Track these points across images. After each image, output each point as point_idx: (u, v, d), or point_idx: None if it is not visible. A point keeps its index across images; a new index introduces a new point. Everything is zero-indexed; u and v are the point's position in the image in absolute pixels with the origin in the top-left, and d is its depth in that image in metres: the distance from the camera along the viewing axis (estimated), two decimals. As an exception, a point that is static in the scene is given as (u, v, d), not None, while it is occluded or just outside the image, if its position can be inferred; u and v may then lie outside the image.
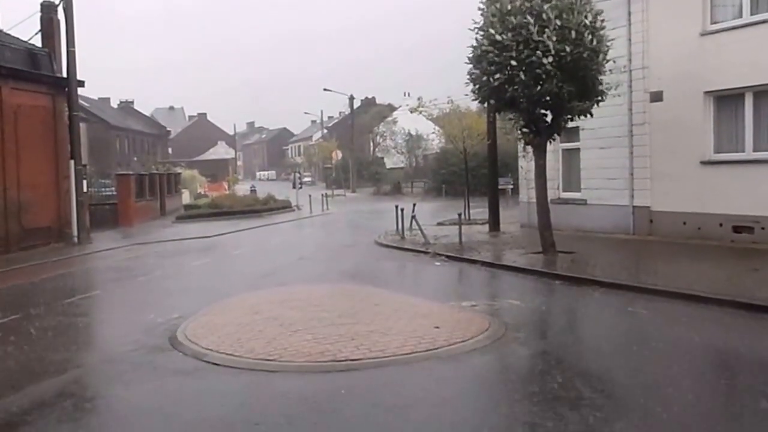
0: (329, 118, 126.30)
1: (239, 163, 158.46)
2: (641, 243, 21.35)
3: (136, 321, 13.34)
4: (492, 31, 17.77)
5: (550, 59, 17.12)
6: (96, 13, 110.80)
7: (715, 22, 20.35)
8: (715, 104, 20.50)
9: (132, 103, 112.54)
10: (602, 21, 18.29)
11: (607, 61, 18.73)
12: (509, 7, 17.66)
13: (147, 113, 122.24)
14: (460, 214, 24.79)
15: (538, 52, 17.11)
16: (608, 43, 18.62)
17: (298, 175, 58.90)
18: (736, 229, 19.69)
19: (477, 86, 18.83)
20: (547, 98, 18.01)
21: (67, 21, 28.83)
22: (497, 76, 17.78)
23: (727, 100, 20.30)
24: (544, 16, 17.24)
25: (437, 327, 11.34)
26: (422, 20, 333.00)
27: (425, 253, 21.96)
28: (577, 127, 22.83)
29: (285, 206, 50.06)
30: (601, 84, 18.80)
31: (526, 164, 25.55)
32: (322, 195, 52.65)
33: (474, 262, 19.65)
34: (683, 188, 21.05)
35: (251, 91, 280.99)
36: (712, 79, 20.14)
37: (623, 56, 21.92)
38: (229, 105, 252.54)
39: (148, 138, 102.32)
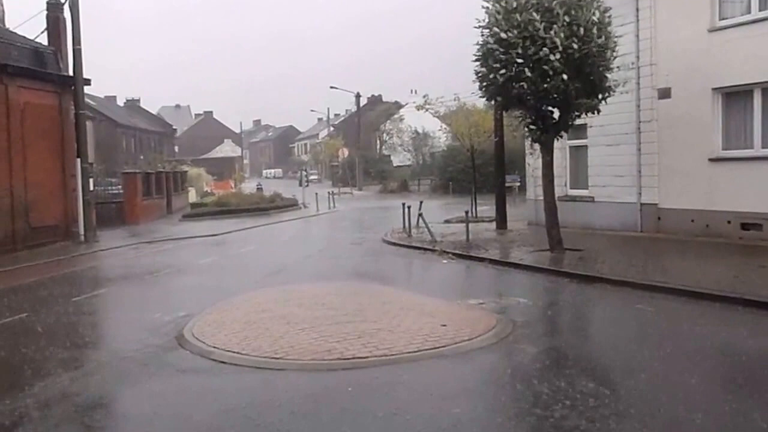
0: (336, 115, 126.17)
1: (246, 161, 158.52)
2: (649, 240, 21.29)
3: (142, 319, 13.33)
4: (497, 29, 17.74)
5: (558, 56, 17.08)
6: (101, 12, 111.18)
7: (723, 18, 20.27)
8: (723, 101, 20.43)
9: (138, 101, 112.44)
10: (610, 17, 18.24)
11: (615, 57, 18.68)
12: (515, 5, 17.61)
13: (153, 111, 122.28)
14: (467, 212, 24.79)
15: (545, 48, 17.08)
16: (616, 40, 18.58)
17: (304, 172, 58.86)
18: (745, 227, 19.62)
19: (483, 84, 18.80)
20: (554, 95, 17.96)
21: (73, 19, 28.84)
22: (503, 72, 17.74)
23: (735, 97, 20.23)
24: (552, 12, 17.20)
25: (444, 325, 11.31)
26: (428, 16, 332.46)
27: (432, 250, 21.94)
28: (585, 124, 22.77)
29: (291, 204, 50.09)
30: (608, 81, 18.75)
31: (534, 161, 25.50)
32: (329, 193, 52.60)
33: (481, 259, 19.62)
34: (691, 185, 20.98)
35: (257, 89, 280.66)
36: (720, 75, 20.07)
37: (631, 53, 21.89)
38: (235, 103, 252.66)
39: (154, 136, 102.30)
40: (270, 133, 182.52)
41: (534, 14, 17.21)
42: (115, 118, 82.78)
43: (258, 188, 66.78)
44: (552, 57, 17.07)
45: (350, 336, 10.77)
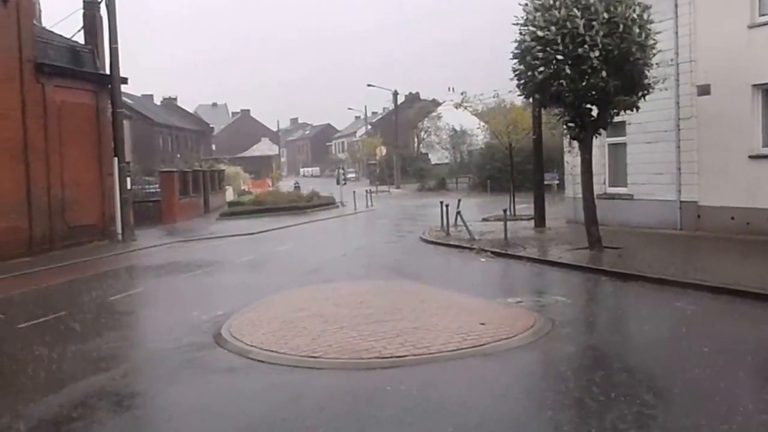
0: (373, 113, 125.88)
1: (283, 159, 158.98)
2: (688, 238, 21.07)
3: (180, 318, 13.43)
4: (533, 28, 17.65)
5: (597, 53, 16.96)
6: (138, 10, 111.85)
7: (763, 14, 19.98)
8: (763, 97, 20.16)
9: (175, 99, 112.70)
10: (649, 14, 18.07)
11: (654, 54, 18.50)
12: (552, 1, 17.50)
13: (190, 110, 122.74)
14: (505, 210, 24.69)
15: (585, 46, 16.97)
16: (655, 37, 18.40)
17: (342, 171, 58.93)
18: (787, 224, 19.37)
19: (522, 81, 18.74)
20: (593, 92, 17.84)
21: (109, 18, 28.94)
22: (541, 70, 17.65)
23: (775, 93, 19.99)
24: (591, 9, 17.08)
25: (483, 323, 11.26)
26: (467, 14, 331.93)
27: (470, 249, 21.85)
28: (624, 121, 22.55)
29: (329, 203, 50.11)
30: (647, 78, 18.57)
31: (572, 159, 25.35)
32: (366, 191, 52.60)
33: (519, 258, 19.53)
34: (731, 183, 20.72)
35: (294, 87, 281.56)
36: (760, 71, 19.80)
37: (670, 49, 21.64)
38: (272, 101, 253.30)
39: (191, 135, 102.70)
40: (307, 132, 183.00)
41: (575, 10, 17.11)
42: (151, 117, 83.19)
43: (295, 186, 67.01)
44: (591, 54, 16.96)
45: (388, 335, 10.76)
